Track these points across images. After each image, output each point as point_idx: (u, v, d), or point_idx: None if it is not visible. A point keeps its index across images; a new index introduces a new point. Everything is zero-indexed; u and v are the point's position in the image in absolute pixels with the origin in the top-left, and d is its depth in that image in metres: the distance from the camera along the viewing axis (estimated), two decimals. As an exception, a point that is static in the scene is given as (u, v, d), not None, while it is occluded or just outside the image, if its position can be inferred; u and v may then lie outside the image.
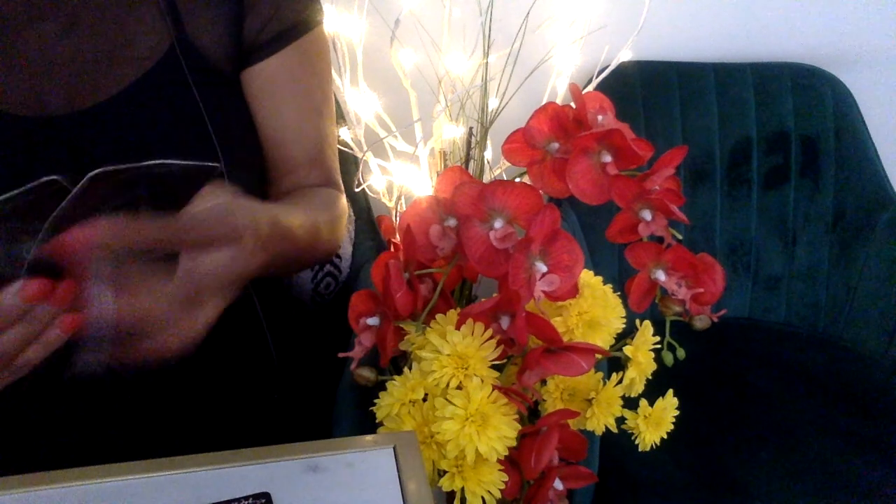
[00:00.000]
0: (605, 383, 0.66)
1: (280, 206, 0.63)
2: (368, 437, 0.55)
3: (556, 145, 0.62)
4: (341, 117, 1.17)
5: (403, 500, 0.48)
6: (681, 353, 0.65)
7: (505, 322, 0.59)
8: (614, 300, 0.69)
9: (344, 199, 0.78)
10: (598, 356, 0.59)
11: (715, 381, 1.23)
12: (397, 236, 0.69)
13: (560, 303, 0.66)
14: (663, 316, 0.65)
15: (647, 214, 0.62)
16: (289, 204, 0.68)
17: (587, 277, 0.69)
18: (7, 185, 0.62)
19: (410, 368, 0.61)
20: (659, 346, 0.66)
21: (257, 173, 0.75)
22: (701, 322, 0.65)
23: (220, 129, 0.66)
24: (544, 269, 0.58)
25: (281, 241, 0.54)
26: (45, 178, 0.40)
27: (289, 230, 0.57)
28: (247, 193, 0.58)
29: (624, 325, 0.69)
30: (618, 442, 0.70)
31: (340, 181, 0.80)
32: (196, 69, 0.65)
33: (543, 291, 0.58)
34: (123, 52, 0.64)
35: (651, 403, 0.66)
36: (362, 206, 1.13)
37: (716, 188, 1.45)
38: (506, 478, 0.59)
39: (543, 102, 0.65)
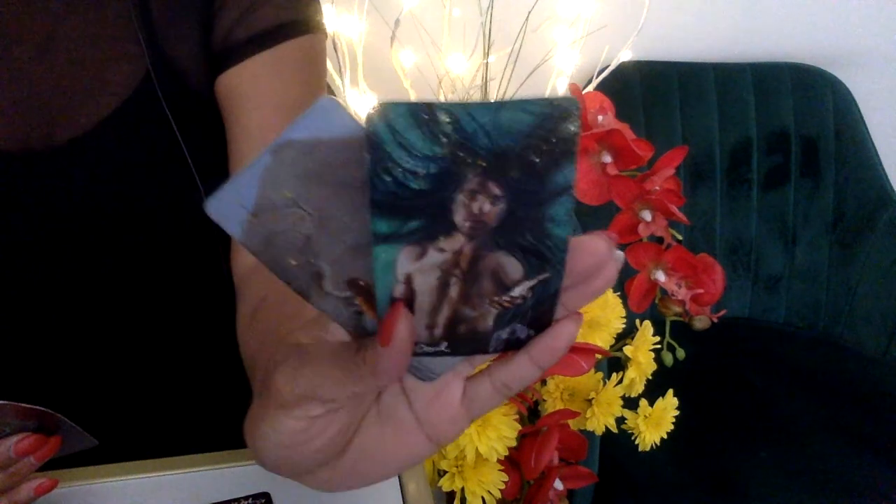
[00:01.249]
0: (605, 383, 0.66)
1: None
2: (368, 437, 0.55)
3: (556, 145, 0.62)
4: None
5: (403, 500, 0.49)
6: (680, 353, 0.65)
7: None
8: (614, 300, 0.69)
9: None
10: (598, 356, 0.59)
11: (715, 381, 1.23)
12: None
13: (560, 303, 0.66)
14: (663, 316, 0.65)
15: (647, 215, 0.62)
16: None
17: (587, 277, 0.69)
18: None
19: (410, 368, 0.61)
20: (659, 346, 0.66)
21: None
22: (701, 322, 0.65)
23: (198, 156, 0.63)
24: (544, 269, 0.58)
25: None
26: None
27: None
28: None
29: (624, 325, 0.69)
30: (618, 442, 0.70)
31: None
32: (174, 96, 0.62)
33: (543, 291, 0.58)
34: (98, 78, 0.61)
35: (651, 403, 0.66)
36: (362, 206, 1.13)
37: (716, 188, 1.45)
38: (506, 478, 0.59)
39: (543, 102, 0.65)
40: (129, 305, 0.67)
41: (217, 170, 0.65)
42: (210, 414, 0.72)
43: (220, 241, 0.67)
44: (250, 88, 0.63)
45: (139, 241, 0.64)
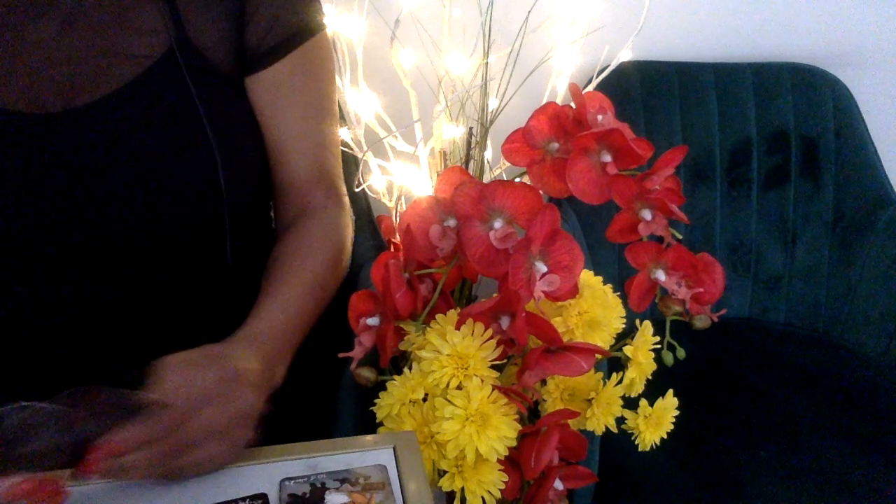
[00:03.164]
0: (605, 383, 0.65)
1: (288, 309, 0.65)
2: (368, 437, 0.55)
3: (556, 145, 0.62)
4: (341, 117, 1.17)
5: (403, 500, 0.48)
6: (681, 353, 0.65)
7: (505, 322, 0.59)
8: (614, 300, 0.69)
9: (347, 218, 0.77)
10: (598, 356, 0.59)
11: (715, 381, 1.23)
12: (397, 236, 0.69)
13: (560, 303, 0.66)
14: (663, 316, 0.65)
15: (646, 214, 0.62)
16: (296, 285, 0.68)
17: (587, 277, 0.69)
18: (2, 181, 0.62)
19: (410, 368, 0.61)
20: (659, 345, 0.66)
21: (259, 179, 0.74)
22: (701, 322, 0.65)
23: (217, 130, 0.66)
24: (544, 269, 0.58)
25: (296, 344, 0.65)
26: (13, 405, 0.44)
27: (306, 327, 0.66)
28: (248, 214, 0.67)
29: (624, 325, 0.69)
30: (618, 442, 0.70)
31: (344, 191, 0.78)
32: (195, 69, 0.66)
33: (543, 291, 0.58)
34: (121, 50, 0.64)
35: (651, 403, 0.66)
36: (362, 206, 1.13)
37: (716, 188, 1.45)
38: (506, 478, 0.59)
39: (543, 102, 0.65)
40: (137, 269, 0.67)
41: (232, 140, 0.68)
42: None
43: (227, 216, 0.68)
44: (286, 84, 0.72)
45: (151, 204, 0.65)
